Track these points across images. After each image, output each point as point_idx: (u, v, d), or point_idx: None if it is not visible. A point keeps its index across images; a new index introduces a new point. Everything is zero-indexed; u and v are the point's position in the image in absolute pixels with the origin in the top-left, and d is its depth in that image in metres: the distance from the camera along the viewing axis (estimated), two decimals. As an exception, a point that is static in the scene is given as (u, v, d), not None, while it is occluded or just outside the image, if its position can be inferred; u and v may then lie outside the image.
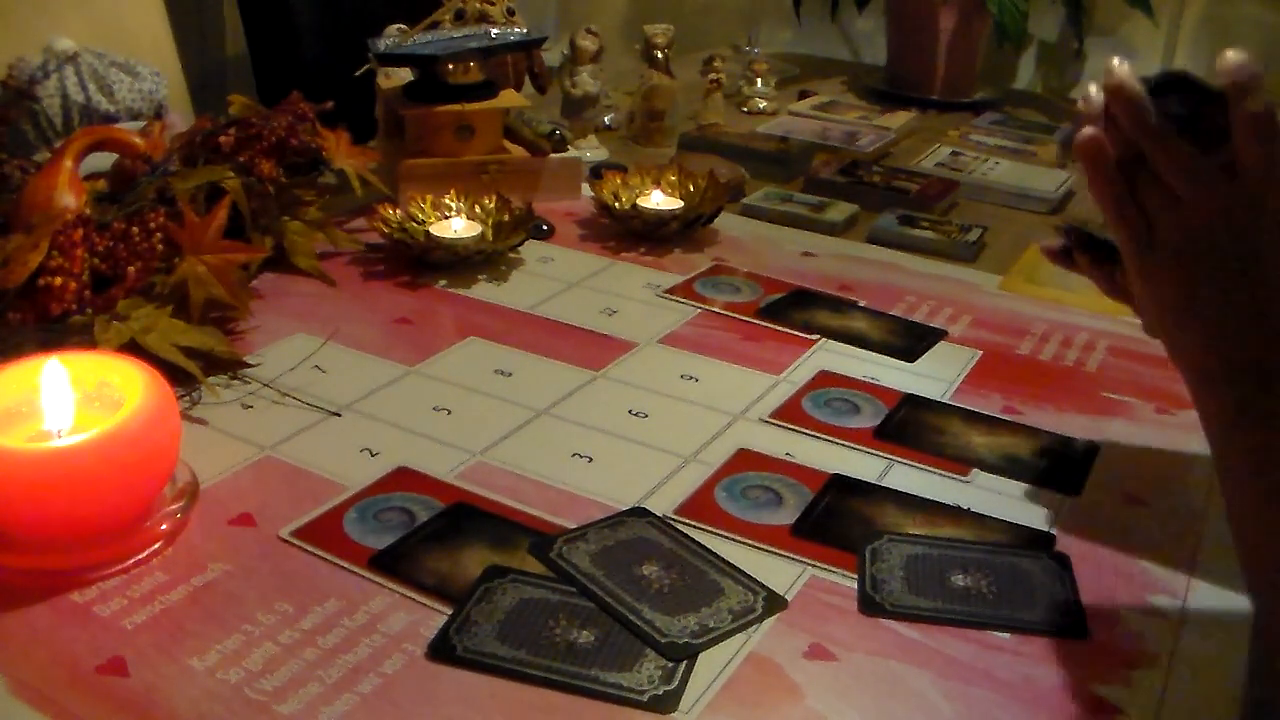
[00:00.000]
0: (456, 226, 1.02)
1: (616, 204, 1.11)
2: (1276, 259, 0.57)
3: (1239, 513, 0.58)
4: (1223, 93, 0.57)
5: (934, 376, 0.87)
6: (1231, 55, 0.57)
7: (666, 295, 0.99)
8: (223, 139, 0.95)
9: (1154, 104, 0.59)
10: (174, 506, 0.64)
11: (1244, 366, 0.57)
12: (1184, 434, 0.80)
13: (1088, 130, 0.61)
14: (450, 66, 1.12)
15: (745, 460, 0.75)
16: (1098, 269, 0.71)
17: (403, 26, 1.15)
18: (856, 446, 0.77)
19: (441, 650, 0.57)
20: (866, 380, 0.86)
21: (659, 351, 0.90)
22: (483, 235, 1.02)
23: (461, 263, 1.01)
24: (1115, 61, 0.60)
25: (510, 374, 0.85)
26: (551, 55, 1.38)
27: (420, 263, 1.01)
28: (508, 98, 1.17)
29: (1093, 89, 0.62)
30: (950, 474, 0.74)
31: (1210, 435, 0.60)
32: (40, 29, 1.28)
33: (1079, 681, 0.57)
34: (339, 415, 0.78)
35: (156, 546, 0.63)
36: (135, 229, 0.80)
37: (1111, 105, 0.60)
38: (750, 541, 0.66)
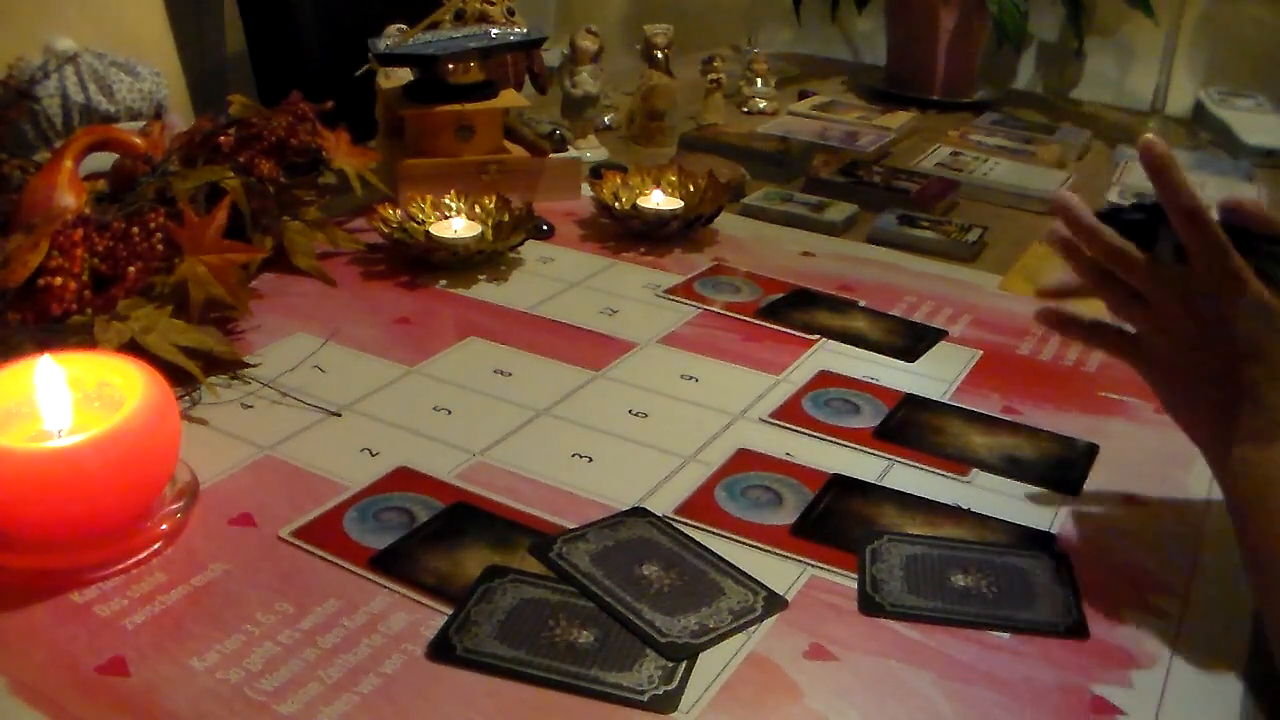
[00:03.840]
0: (456, 226, 1.02)
1: (616, 204, 1.11)
2: (1241, 327, 0.60)
3: (1263, 579, 0.59)
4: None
5: (934, 376, 0.87)
6: (1144, 138, 0.62)
7: (666, 295, 0.99)
8: (223, 139, 0.95)
9: (1112, 222, 0.65)
10: (174, 506, 0.64)
11: (1251, 429, 0.60)
12: (1184, 434, 0.80)
13: (1058, 230, 0.67)
14: (450, 66, 1.12)
15: (745, 460, 0.75)
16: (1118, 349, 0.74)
17: (403, 26, 1.15)
18: (856, 446, 0.77)
19: (441, 650, 0.57)
20: (866, 380, 0.86)
21: (659, 351, 0.90)
22: (483, 235, 1.02)
23: (461, 263, 1.01)
24: (1064, 195, 0.66)
25: (510, 374, 0.85)
26: (551, 55, 1.38)
27: (420, 263, 1.01)
28: (508, 98, 1.17)
29: (1059, 226, 0.67)
30: (950, 474, 0.74)
31: (1222, 487, 0.63)
32: (40, 29, 1.28)
33: (1079, 681, 0.57)
34: (339, 415, 0.78)
35: (156, 546, 0.63)
36: (135, 229, 0.80)
37: (1071, 232, 0.66)
38: (750, 541, 0.66)
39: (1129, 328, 0.68)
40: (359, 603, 0.60)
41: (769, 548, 0.66)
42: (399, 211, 1.04)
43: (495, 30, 1.17)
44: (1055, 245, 0.68)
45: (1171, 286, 0.62)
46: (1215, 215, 0.62)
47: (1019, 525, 0.69)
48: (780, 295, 1.00)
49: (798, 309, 0.97)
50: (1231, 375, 0.61)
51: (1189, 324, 0.62)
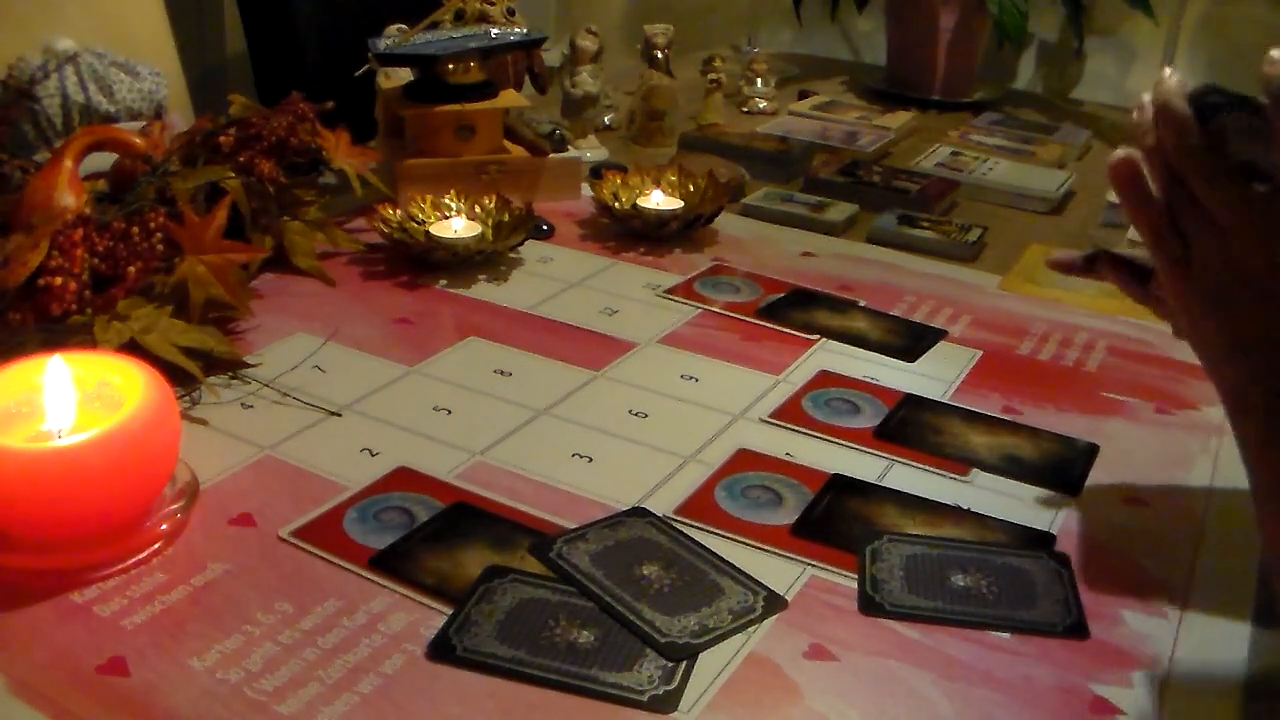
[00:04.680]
0: (456, 226, 1.02)
1: (616, 204, 1.11)
2: None
3: (1273, 536, 0.57)
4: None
5: (934, 376, 0.87)
6: (1276, 53, 0.53)
7: (666, 295, 0.99)
8: (223, 139, 0.95)
9: (1199, 124, 0.56)
10: (174, 506, 0.64)
11: None
12: (1184, 434, 0.80)
13: (1120, 151, 0.59)
14: (450, 66, 1.12)
15: (745, 460, 0.75)
16: (1129, 283, 0.70)
17: (403, 26, 1.15)
18: (856, 446, 0.77)
19: (441, 650, 0.57)
20: (866, 380, 0.86)
21: (659, 351, 0.90)
22: (483, 235, 1.02)
23: (461, 263, 1.01)
24: (1166, 73, 0.58)
25: (510, 374, 0.85)
26: (551, 55, 1.38)
27: (420, 263, 1.01)
28: (508, 98, 1.17)
29: (1146, 98, 0.59)
30: (950, 474, 0.74)
31: (1246, 459, 0.59)
32: (40, 29, 1.28)
33: (1079, 681, 0.57)
34: (339, 415, 0.78)
35: (156, 546, 0.63)
36: (135, 229, 0.80)
37: (1158, 122, 0.58)
38: (750, 541, 0.66)
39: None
40: (359, 603, 0.60)
41: (769, 548, 0.66)
42: (399, 211, 1.04)
43: (495, 30, 1.17)
44: (1115, 168, 0.58)
45: (1255, 218, 0.55)
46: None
47: (1019, 525, 0.69)
48: (780, 295, 1.00)
49: (798, 309, 0.97)
50: None
51: (1263, 265, 0.55)
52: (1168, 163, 0.58)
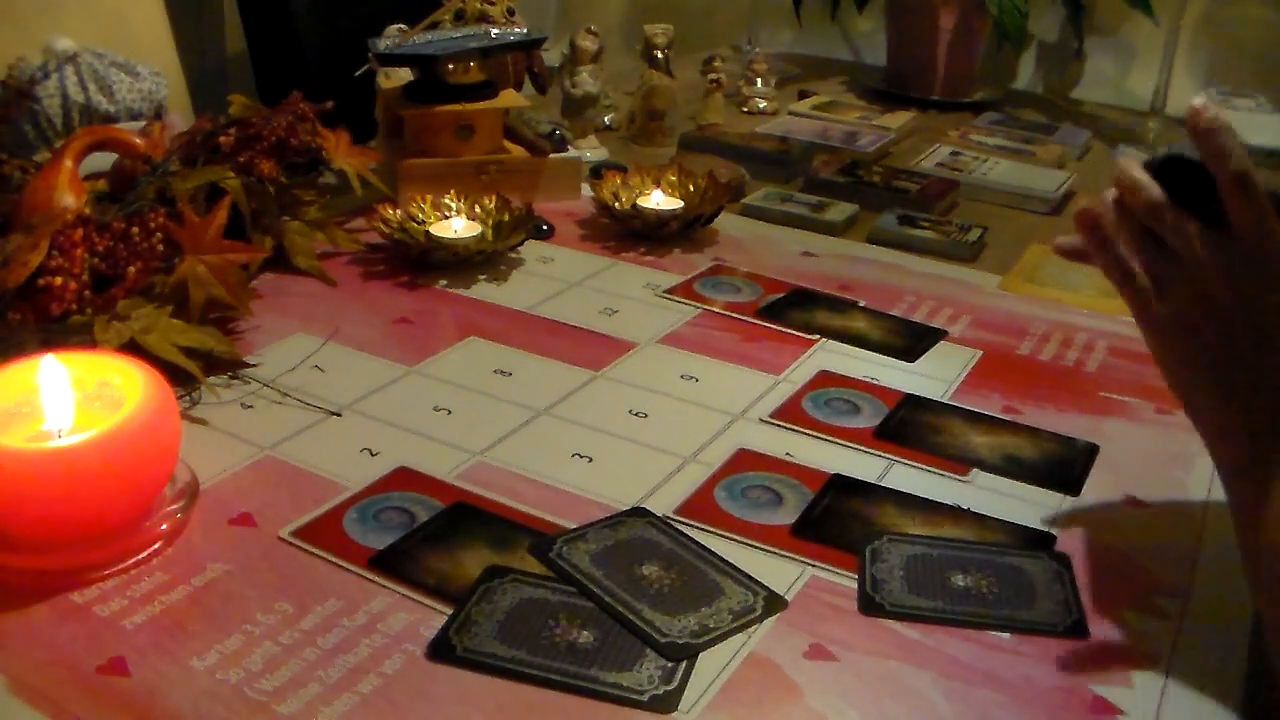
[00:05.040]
0: (456, 226, 1.02)
1: (616, 204, 1.11)
2: (1277, 311, 0.57)
3: (1254, 557, 0.58)
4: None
5: (934, 376, 0.87)
6: (1200, 105, 0.58)
7: (666, 295, 0.99)
8: (223, 139, 0.95)
9: (1159, 181, 0.60)
10: (174, 506, 0.64)
11: (1260, 422, 0.58)
12: (1184, 434, 0.80)
13: (1083, 204, 0.63)
14: (450, 66, 1.12)
15: (745, 460, 0.75)
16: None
17: (403, 26, 1.15)
18: (856, 446, 0.77)
19: (441, 650, 0.57)
20: (866, 380, 0.86)
21: (659, 351, 0.90)
22: (483, 235, 1.02)
23: (461, 263, 1.01)
24: (1121, 158, 0.63)
25: (510, 374, 0.85)
26: (551, 55, 1.38)
27: (420, 263, 1.01)
28: (508, 98, 1.17)
29: (1109, 193, 0.63)
30: (950, 474, 0.74)
31: (1225, 483, 0.61)
32: (40, 29, 1.28)
33: (1079, 681, 0.57)
34: (339, 415, 0.78)
35: (156, 546, 0.63)
36: (135, 229, 0.80)
37: (1119, 191, 0.62)
38: (750, 541, 0.66)
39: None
40: (359, 603, 0.60)
41: (769, 548, 0.66)
42: (399, 211, 1.04)
43: (495, 30, 1.17)
44: (1079, 218, 0.63)
45: (1214, 253, 0.59)
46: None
47: (1019, 525, 0.69)
48: (780, 295, 1.00)
49: (798, 309, 0.97)
50: (1258, 359, 0.58)
51: (1226, 293, 0.58)
52: (1131, 216, 0.62)
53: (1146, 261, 0.62)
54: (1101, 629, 0.61)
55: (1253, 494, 0.58)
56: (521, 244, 1.04)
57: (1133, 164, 0.62)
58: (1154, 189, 0.60)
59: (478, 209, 1.06)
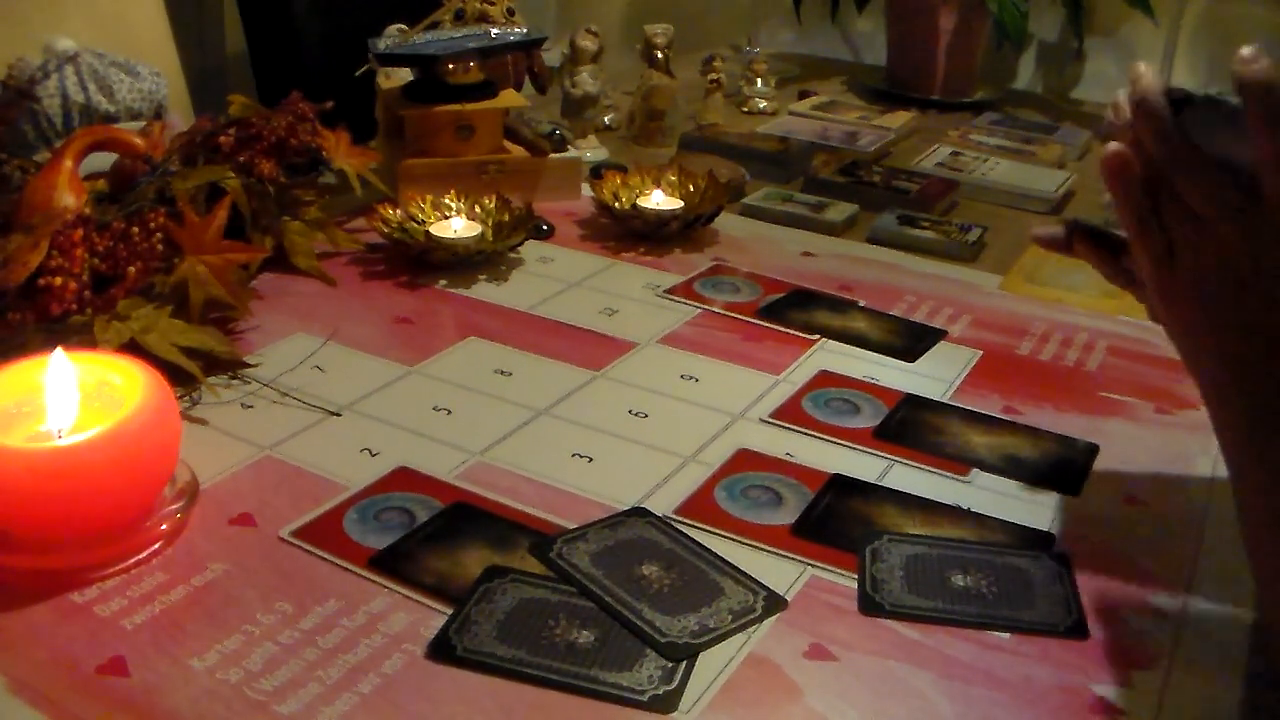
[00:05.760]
0: (456, 226, 1.02)
1: (616, 204, 1.11)
2: None
3: (1253, 526, 0.57)
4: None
5: (934, 376, 0.87)
6: (1247, 54, 0.53)
7: (666, 295, 0.99)
8: (223, 139, 0.95)
9: (1177, 122, 0.56)
10: (174, 506, 0.64)
11: (1263, 386, 0.56)
12: (1184, 434, 0.80)
13: (1113, 146, 0.59)
14: (450, 66, 1.12)
15: (745, 460, 0.75)
16: (1102, 259, 0.70)
17: (403, 26, 1.15)
18: (856, 446, 0.77)
19: (441, 650, 0.57)
20: (866, 380, 0.86)
21: (659, 351, 0.90)
22: (483, 235, 1.02)
23: (461, 263, 1.01)
24: (1141, 68, 0.58)
25: (510, 374, 0.85)
26: (551, 55, 1.38)
27: (420, 263, 1.01)
28: (508, 98, 1.17)
29: (1122, 96, 0.60)
30: (950, 474, 0.74)
31: (1224, 446, 0.59)
32: (40, 29, 1.28)
33: (1079, 681, 0.57)
34: (339, 415, 0.78)
35: (156, 546, 0.63)
36: (135, 229, 0.80)
37: (1135, 120, 0.58)
38: (750, 541, 0.66)
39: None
40: (359, 603, 0.60)
41: (769, 548, 0.66)
42: (399, 211, 1.04)
43: (495, 30, 1.17)
44: (1108, 162, 0.59)
45: (1239, 218, 0.55)
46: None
47: (1019, 525, 0.69)
48: (780, 295, 1.00)
49: (798, 309, 0.97)
50: (1265, 320, 0.55)
51: (1246, 265, 0.55)
52: (1149, 158, 0.58)
53: (1161, 214, 0.58)
54: (1101, 629, 0.61)
55: (1254, 463, 0.56)
56: (521, 244, 1.04)
57: (1153, 88, 0.56)
58: (1177, 134, 0.56)
59: (478, 209, 1.06)
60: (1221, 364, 0.58)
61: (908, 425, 0.80)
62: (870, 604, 0.62)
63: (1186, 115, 0.56)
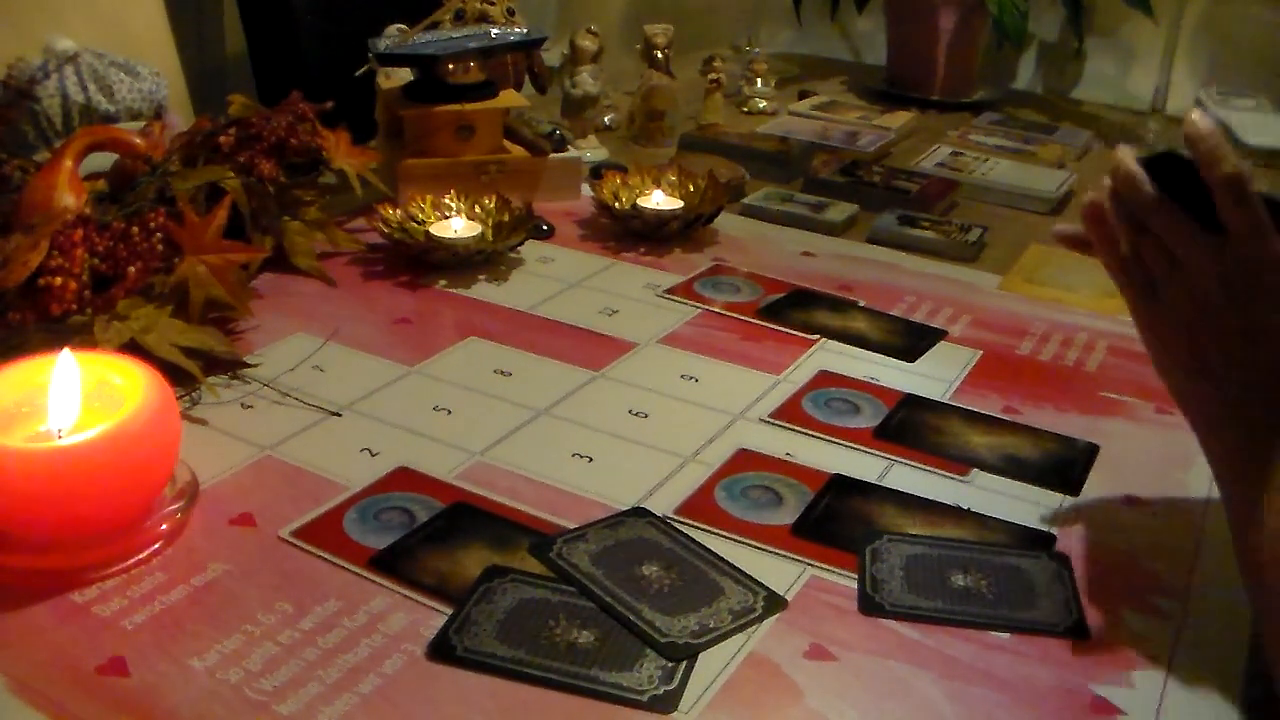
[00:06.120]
0: (456, 226, 1.02)
1: (616, 204, 1.11)
2: (1269, 315, 0.58)
3: (1252, 568, 0.58)
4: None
5: (934, 376, 0.87)
6: (1195, 117, 0.59)
7: (666, 295, 0.99)
8: (223, 139, 0.95)
9: (1151, 177, 0.61)
10: (174, 506, 0.64)
11: (1249, 421, 0.59)
12: (1184, 434, 0.80)
13: (1090, 195, 0.64)
14: (450, 66, 1.12)
15: (745, 460, 0.75)
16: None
17: (403, 26, 1.15)
18: (856, 446, 0.77)
19: (441, 650, 0.57)
20: (866, 380, 0.86)
21: (659, 351, 0.90)
22: (483, 235, 1.02)
23: (461, 263, 1.01)
24: (1121, 149, 0.63)
25: (510, 374, 0.85)
26: (551, 55, 1.38)
27: (420, 263, 1.01)
28: (508, 98, 1.17)
29: (1106, 180, 0.64)
30: (950, 474, 0.74)
31: (1219, 481, 0.62)
32: (40, 29, 1.28)
33: (1079, 681, 0.57)
34: (339, 415, 0.78)
35: (156, 546, 0.63)
36: (135, 229, 0.80)
37: (1113, 182, 0.63)
38: (750, 541, 0.66)
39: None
40: (359, 603, 0.60)
41: (769, 548, 0.66)
42: (399, 211, 1.04)
43: (495, 30, 1.17)
44: (1085, 211, 0.64)
45: (1208, 256, 0.59)
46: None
47: (1019, 525, 0.69)
48: (780, 295, 1.00)
49: (798, 309, 0.97)
50: (1251, 356, 0.59)
51: (1219, 296, 0.59)
52: (1132, 214, 0.62)
53: (1143, 259, 0.62)
54: (1101, 629, 0.61)
55: (1246, 492, 0.58)
56: (521, 244, 1.04)
57: (1129, 156, 0.62)
58: (1147, 185, 0.61)
59: (478, 209, 1.06)
60: (1210, 398, 0.61)
61: (908, 425, 0.80)
62: (870, 604, 0.62)
63: (1157, 177, 0.61)
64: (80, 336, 0.74)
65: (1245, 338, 0.59)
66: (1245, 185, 0.57)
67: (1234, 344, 0.59)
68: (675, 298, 0.99)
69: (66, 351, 0.63)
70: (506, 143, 1.18)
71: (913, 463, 0.75)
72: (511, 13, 1.21)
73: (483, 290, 0.99)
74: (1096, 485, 0.74)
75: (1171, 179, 0.60)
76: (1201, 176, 0.58)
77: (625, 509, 0.69)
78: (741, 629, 0.59)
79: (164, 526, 0.63)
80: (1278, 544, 0.55)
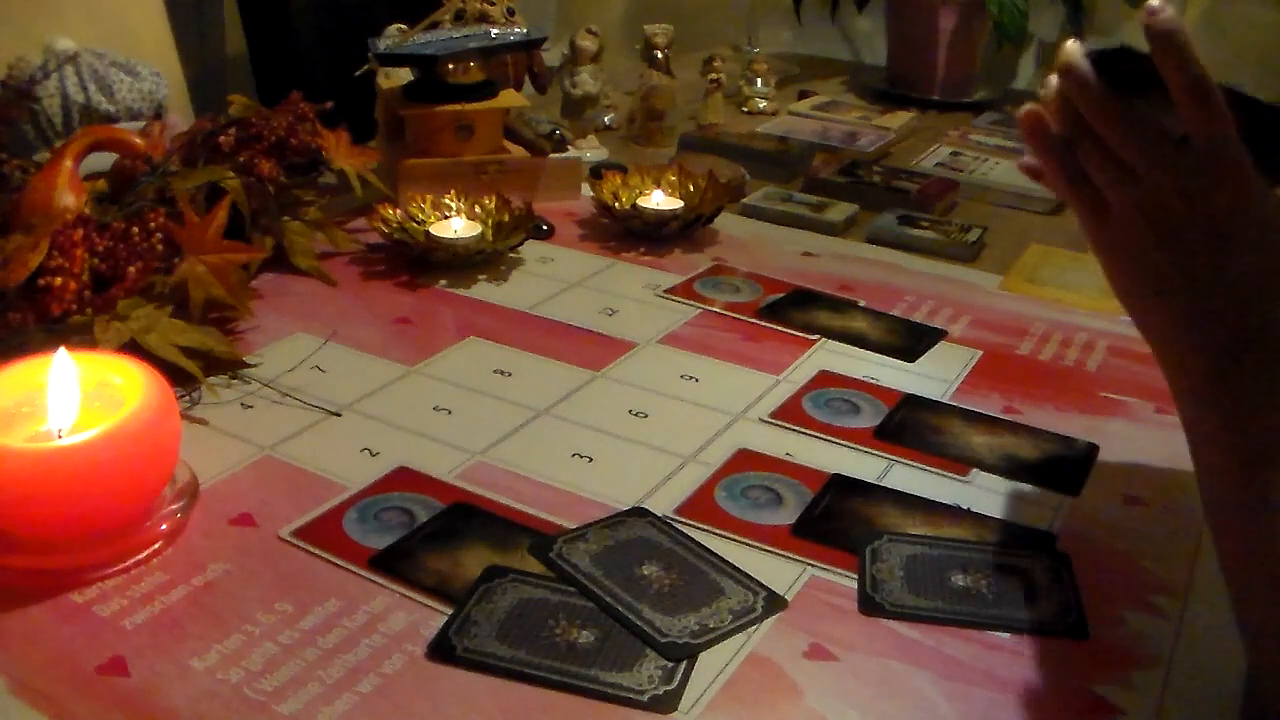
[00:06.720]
0: (456, 226, 1.02)
1: (616, 204, 1.11)
2: (1235, 227, 0.54)
3: (1214, 495, 0.56)
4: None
5: (934, 376, 0.87)
6: (1156, 4, 0.54)
7: (666, 295, 0.99)
8: (223, 139, 0.95)
9: (1100, 77, 0.56)
10: (174, 506, 0.64)
11: (1214, 339, 0.55)
12: (1184, 434, 0.80)
13: (1027, 106, 0.59)
14: (450, 66, 1.12)
15: (745, 460, 0.75)
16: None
17: (403, 26, 1.15)
18: (856, 446, 0.77)
19: (441, 650, 0.57)
20: (866, 380, 0.86)
21: (659, 351, 0.90)
22: (483, 235, 1.02)
23: (461, 263, 1.01)
24: (1069, 43, 0.58)
25: (510, 374, 0.85)
26: (551, 55, 1.38)
27: (420, 263, 1.01)
28: (508, 98, 1.17)
29: (1052, 79, 0.59)
30: (950, 474, 0.74)
31: (1182, 410, 0.58)
32: (40, 29, 1.28)
33: (1079, 681, 0.57)
34: (339, 415, 0.78)
35: (156, 546, 0.63)
36: (135, 229, 0.80)
37: (1061, 82, 0.58)
38: (750, 541, 0.66)
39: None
40: (359, 603, 0.60)
41: (769, 548, 0.66)
42: (399, 211, 1.04)
43: (495, 30, 1.17)
44: (1023, 120, 0.59)
45: (1166, 164, 0.54)
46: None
47: (1019, 525, 0.69)
48: (780, 295, 1.00)
49: (798, 309, 0.97)
50: (1214, 277, 0.54)
51: (1179, 209, 0.54)
52: (1079, 118, 0.57)
53: (1093, 171, 0.57)
54: (1101, 629, 0.61)
55: (1210, 415, 0.55)
56: (521, 244, 1.04)
57: (1078, 51, 0.56)
58: (1095, 83, 0.55)
59: (478, 209, 1.06)
60: (1171, 320, 0.57)
61: (908, 425, 0.80)
62: (870, 604, 0.62)
63: (1109, 76, 0.56)
64: (80, 336, 0.74)
65: (1210, 251, 0.54)
66: (1207, 84, 0.53)
67: (1197, 259, 0.54)
68: (675, 298, 0.99)
69: (62, 350, 0.63)
70: (506, 143, 1.18)
71: (913, 463, 0.75)
72: (511, 13, 1.20)
73: (483, 290, 0.99)
74: (1096, 485, 0.74)
75: (1125, 77, 0.55)
76: (1160, 74, 0.53)
77: (625, 509, 0.69)
78: (741, 629, 0.59)
79: (164, 526, 0.63)
80: None
